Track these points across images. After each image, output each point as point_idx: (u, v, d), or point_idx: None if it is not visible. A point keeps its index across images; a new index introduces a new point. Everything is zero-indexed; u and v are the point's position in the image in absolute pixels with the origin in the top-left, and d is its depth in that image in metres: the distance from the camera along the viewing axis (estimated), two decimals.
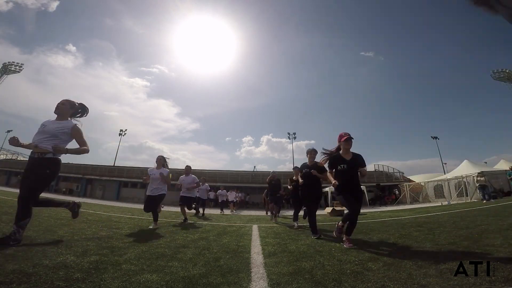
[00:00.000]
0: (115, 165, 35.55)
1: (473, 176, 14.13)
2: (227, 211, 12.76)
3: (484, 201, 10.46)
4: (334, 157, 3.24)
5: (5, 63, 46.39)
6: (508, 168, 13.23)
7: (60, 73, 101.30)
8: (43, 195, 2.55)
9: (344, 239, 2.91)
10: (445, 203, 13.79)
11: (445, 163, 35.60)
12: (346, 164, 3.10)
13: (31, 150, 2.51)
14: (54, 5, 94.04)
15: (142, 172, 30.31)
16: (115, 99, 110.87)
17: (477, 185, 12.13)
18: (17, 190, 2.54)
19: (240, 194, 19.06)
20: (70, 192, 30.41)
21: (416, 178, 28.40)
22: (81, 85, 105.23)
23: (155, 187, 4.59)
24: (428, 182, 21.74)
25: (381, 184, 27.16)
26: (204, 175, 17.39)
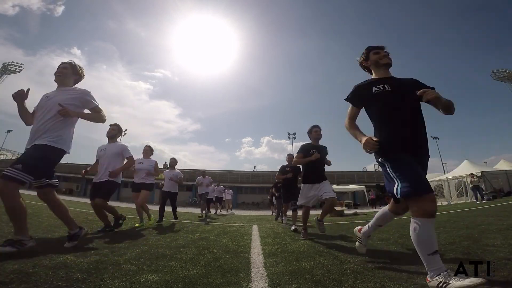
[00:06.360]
0: None
1: (466, 177, 14.14)
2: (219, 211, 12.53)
3: (478, 202, 10.48)
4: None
5: (5, 63, 46.40)
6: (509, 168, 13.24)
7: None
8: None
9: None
10: (445, 203, 13.80)
11: (445, 163, 35.67)
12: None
13: None
14: (59, 10, 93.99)
15: None
16: (117, 101, 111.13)
17: (471, 186, 12.15)
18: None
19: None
20: (70, 192, 30.38)
21: None
22: (84, 87, 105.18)
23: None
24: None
25: (381, 184, 27.18)
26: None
